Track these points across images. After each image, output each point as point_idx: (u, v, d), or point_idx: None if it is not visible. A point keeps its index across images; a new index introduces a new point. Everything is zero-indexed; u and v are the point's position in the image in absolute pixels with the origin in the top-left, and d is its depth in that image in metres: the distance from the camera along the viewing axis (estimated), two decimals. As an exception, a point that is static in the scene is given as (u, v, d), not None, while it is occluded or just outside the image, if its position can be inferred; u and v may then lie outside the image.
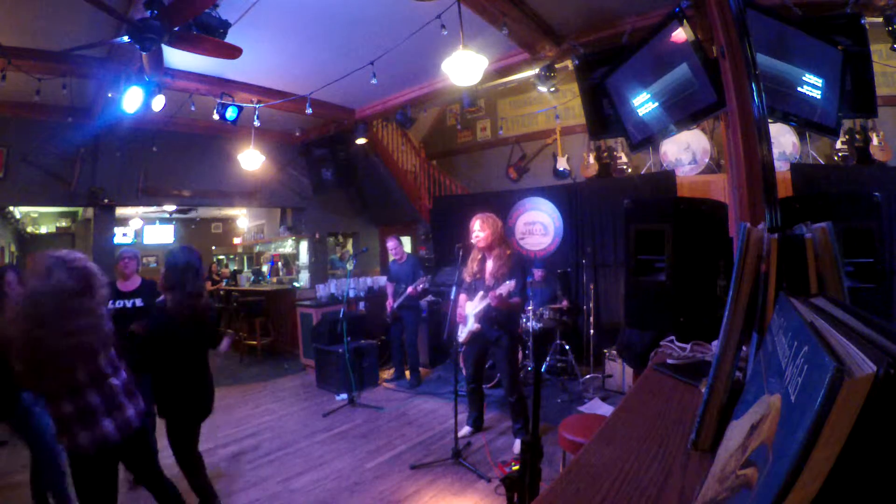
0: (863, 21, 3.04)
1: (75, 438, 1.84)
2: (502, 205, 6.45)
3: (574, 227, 6.03)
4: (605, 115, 4.14)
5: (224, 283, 9.67)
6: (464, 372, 4.17)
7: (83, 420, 1.85)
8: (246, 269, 11.36)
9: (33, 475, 2.79)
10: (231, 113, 5.06)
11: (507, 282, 3.27)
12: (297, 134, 7.66)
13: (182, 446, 2.55)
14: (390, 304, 5.48)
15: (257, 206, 8.74)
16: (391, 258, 5.62)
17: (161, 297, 2.64)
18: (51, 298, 1.81)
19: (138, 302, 3.48)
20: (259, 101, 5.29)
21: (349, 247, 9.61)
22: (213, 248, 13.13)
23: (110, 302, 3.39)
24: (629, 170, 6.63)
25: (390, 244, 5.47)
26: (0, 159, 5.44)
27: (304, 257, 8.46)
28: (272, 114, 5.89)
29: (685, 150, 6.22)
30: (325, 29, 4.26)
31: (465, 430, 3.86)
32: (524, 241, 6.47)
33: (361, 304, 6.55)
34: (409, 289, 5.25)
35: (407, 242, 9.07)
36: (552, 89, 4.99)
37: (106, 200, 6.23)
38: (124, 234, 11.15)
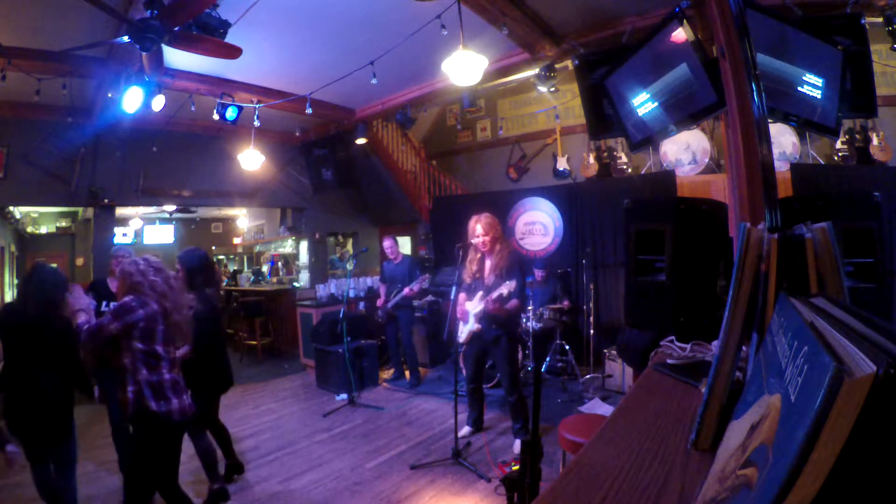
0: (863, 21, 3.04)
1: (169, 403, 2.12)
2: (502, 205, 6.45)
3: (574, 227, 6.03)
4: (605, 115, 4.14)
5: (224, 283, 9.67)
6: (464, 372, 4.17)
7: (175, 390, 2.18)
8: (246, 269, 11.36)
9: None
10: (231, 113, 5.06)
11: (507, 282, 3.27)
12: (297, 134, 7.66)
13: (205, 416, 3.00)
14: (381, 303, 5.48)
15: (257, 206, 8.74)
16: (387, 258, 5.63)
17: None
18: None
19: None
20: (259, 101, 5.29)
21: (349, 247, 9.60)
22: (213, 248, 13.12)
23: (103, 304, 3.40)
24: (629, 170, 6.63)
25: (386, 243, 5.48)
26: (0, 159, 5.44)
27: (304, 257, 8.46)
28: (272, 114, 5.88)
29: (685, 150, 6.21)
30: (325, 29, 4.26)
31: (465, 430, 3.86)
32: (524, 241, 6.47)
33: (361, 304, 6.55)
34: (406, 289, 5.25)
35: (407, 242, 9.07)
36: (552, 89, 4.99)
37: (106, 200, 6.23)
38: (124, 234, 11.13)
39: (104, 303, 3.44)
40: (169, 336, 2.21)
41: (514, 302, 3.38)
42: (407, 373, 5.66)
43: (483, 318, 3.48)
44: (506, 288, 3.25)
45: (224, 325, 3.12)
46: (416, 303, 5.72)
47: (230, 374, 3.20)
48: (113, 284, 3.51)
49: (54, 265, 3.06)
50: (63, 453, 2.62)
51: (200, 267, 2.95)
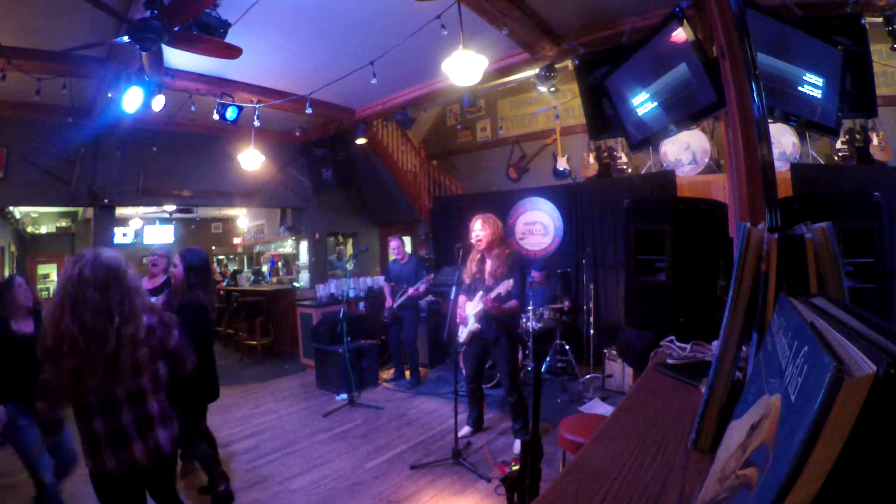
0: (863, 21, 3.04)
1: (102, 461, 1.70)
2: (502, 205, 6.45)
3: (574, 227, 6.03)
4: (605, 115, 4.14)
5: (224, 283, 9.67)
6: (464, 372, 4.17)
7: (112, 441, 1.71)
8: (246, 269, 11.37)
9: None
10: (231, 113, 5.06)
11: (505, 281, 3.27)
12: (297, 134, 7.65)
13: (192, 426, 2.81)
14: (389, 303, 5.48)
15: (257, 206, 8.74)
16: (391, 258, 5.62)
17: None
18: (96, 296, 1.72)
19: (161, 299, 3.74)
20: (259, 101, 5.29)
21: (349, 247, 9.61)
22: (213, 248, 13.13)
23: None
24: (629, 170, 6.63)
25: (393, 244, 5.46)
26: (0, 159, 5.44)
27: (304, 257, 8.46)
28: (272, 114, 5.88)
29: (685, 150, 6.21)
30: (325, 29, 4.26)
31: (465, 430, 3.86)
32: (524, 242, 6.47)
33: (361, 304, 6.55)
34: (411, 290, 5.25)
35: (407, 242, 9.07)
36: (552, 89, 4.99)
37: (106, 200, 6.23)
38: (124, 234, 11.14)
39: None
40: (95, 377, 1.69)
41: (512, 302, 3.38)
42: (407, 373, 5.66)
43: (483, 318, 3.48)
44: (503, 288, 3.25)
45: (212, 332, 3.03)
46: (422, 303, 5.71)
47: (217, 383, 2.97)
48: (150, 283, 3.84)
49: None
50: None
51: (199, 267, 2.92)
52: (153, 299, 3.71)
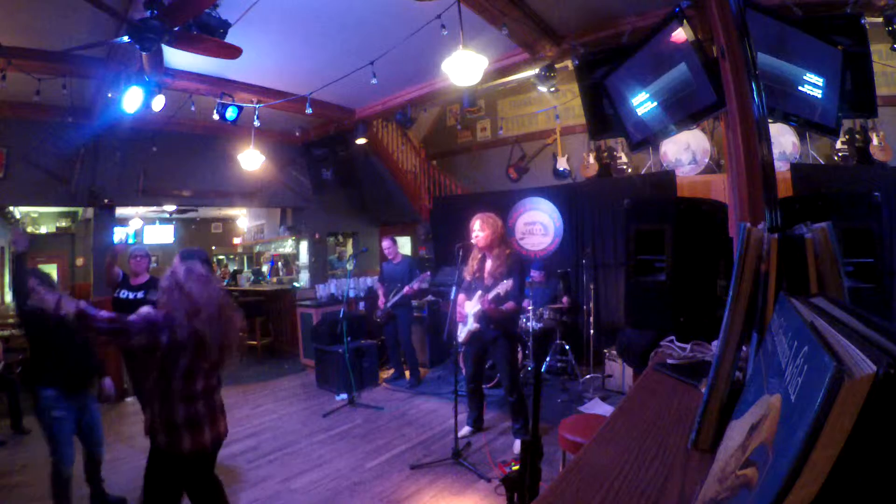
0: (863, 21, 3.04)
1: (179, 441, 1.90)
2: (502, 205, 6.45)
3: (574, 227, 6.03)
4: (605, 115, 4.14)
5: (224, 283, 9.67)
6: (464, 372, 4.17)
7: (190, 426, 1.92)
8: (246, 269, 11.36)
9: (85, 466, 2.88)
10: (231, 113, 5.06)
11: (505, 281, 3.27)
12: (297, 134, 7.65)
13: None
14: (382, 303, 5.48)
15: (257, 206, 8.74)
16: (386, 258, 5.63)
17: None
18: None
19: (140, 294, 3.85)
20: (259, 101, 5.29)
21: (349, 247, 9.61)
22: (213, 248, 13.12)
23: (117, 291, 3.71)
24: (629, 170, 6.63)
25: (385, 244, 5.49)
26: (0, 159, 5.44)
27: (304, 257, 8.46)
28: (272, 114, 5.88)
29: (685, 150, 6.21)
30: (325, 29, 4.26)
31: (465, 430, 3.86)
32: (524, 242, 6.47)
33: (361, 304, 6.55)
34: (406, 288, 5.25)
35: (407, 242, 9.07)
36: (552, 89, 4.99)
37: (106, 200, 6.22)
38: (127, 235, 11.15)
39: (122, 291, 3.92)
40: (195, 366, 1.96)
41: (509, 304, 3.38)
42: (407, 373, 5.66)
43: (482, 318, 3.48)
44: (502, 288, 3.25)
45: None
46: (414, 303, 5.71)
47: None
48: (134, 281, 3.90)
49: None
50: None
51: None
52: (136, 294, 3.84)
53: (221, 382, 2.17)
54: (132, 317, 1.86)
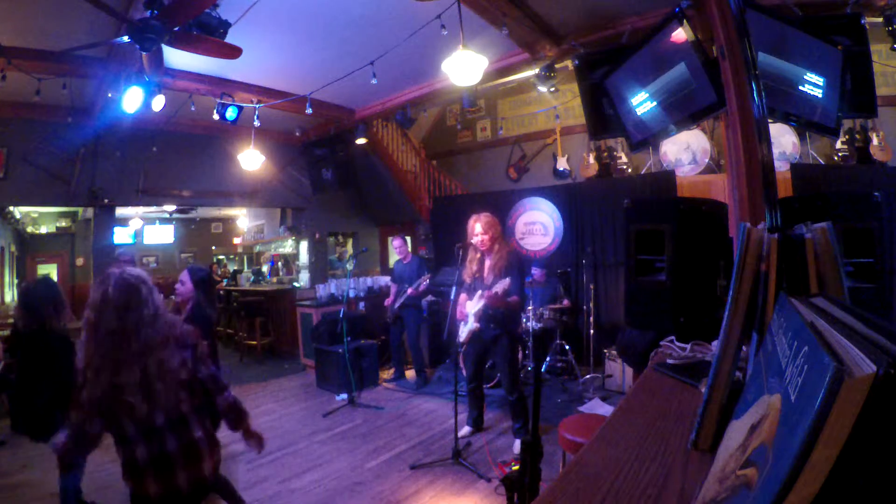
0: (863, 21, 3.04)
1: (143, 484, 1.65)
2: (502, 205, 6.45)
3: (574, 227, 6.03)
4: (605, 115, 4.14)
5: (224, 283, 9.67)
6: (464, 372, 4.17)
7: (156, 467, 1.66)
8: (246, 269, 11.36)
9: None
10: (231, 113, 5.06)
11: (503, 280, 3.27)
12: (297, 134, 7.66)
13: None
14: (389, 301, 5.48)
15: (257, 206, 8.75)
16: (396, 258, 5.62)
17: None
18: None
19: None
20: (259, 101, 5.29)
21: (349, 247, 9.61)
22: (213, 248, 13.13)
23: None
24: (629, 170, 6.64)
25: (396, 243, 5.47)
26: (0, 159, 5.44)
27: (304, 257, 8.46)
28: (272, 114, 5.89)
29: (685, 150, 6.21)
30: (325, 29, 4.26)
31: (465, 429, 3.86)
32: (524, 241, 6.47)
33: (361, 304, 6.55)
34: (410, 289, 5.25)
35: (407, 242, 9.06)
36: (552, 89, 4.99)
37: (106, 200, 6.23)
38: (129, 236, 11.16)
39: None
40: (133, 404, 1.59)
41: (514, 297, 3.38)
42: (407, 373, 5.66)
43: (482, 316, 3.48)
44: (501, 287, 3.25)
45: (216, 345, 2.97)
46: (424, 302, 5.69)
47: None
48: None
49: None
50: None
51: (206, 282, 2.90)
52: None
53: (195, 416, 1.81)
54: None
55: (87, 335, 1.61)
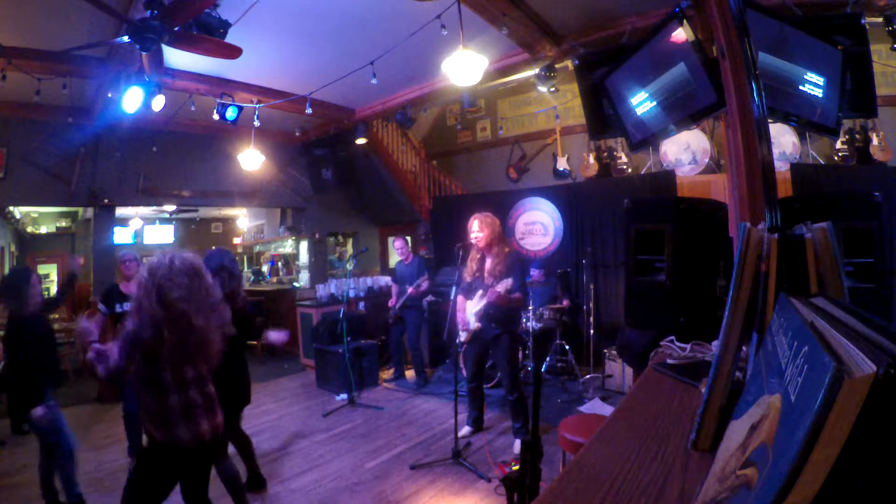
0: (863, 21, 3.04)
1: (174, 432, 1.86)
2: (502, 205, 6.45)
3: (574, 227, 6.03)
4: (605, 115, 4.14)
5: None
6: (464, 372, 4.17)
7: (186, 415, 1.88)
8: (246, 269, 11.35)
9: (42, 463, 2.89)
10: (231, 113, 5.06)
11: (505, 280, 3.27)
12: (297, 134, 7.66)
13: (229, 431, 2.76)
14: (391, 303, 5.47)
15: (257, 206, 8.74)
16: (397, 258, 5.62)
17: None
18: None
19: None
20: (259, 101, 5.29)
21: (349, 247, 9.61)
22: (213, 248, 13.11)
23: (116, 305, 3.56)
24: (629, 170, 6.63)
25: (397, 244, 5.46)
26: (0, 159, 5.44)
27: (304, 257, 8.46)
28: (272, 114, 5.89)
29: (685, 150, 6.21)
30: (324, 29, 4.26)
31: (465, 429, 3.86)
32: (524, 241, 6.47)
33: (361, 304, 6.55)
34: (410, 289, 5.26)
35: (408, 243, 9.05)
36: (552, 89, 4.99)
37: (106, 200, 6.23)
38: (129, 236, 11.15)
39: (117, 305, 3.65)
40: (178, 357, 1.86)
41: (516, 294, 3.38)
42: (407, 373, 5.66)
43: (483, 316, 3.48)
44: (503, 286, 3.25)
45: (238, 332, 2.94)
46: (426, 302, 5.68)
47: (249, 387, 2.95)
48: (126, 288, 3.67)
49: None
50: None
51: (218, 268, 2.74)
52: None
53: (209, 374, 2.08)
54: (113, 349, 1.84)
55: (149, 300, 1.83)
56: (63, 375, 2.92)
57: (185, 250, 2.06)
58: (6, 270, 8.25)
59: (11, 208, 8.25)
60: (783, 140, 5.59)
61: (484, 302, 3.40)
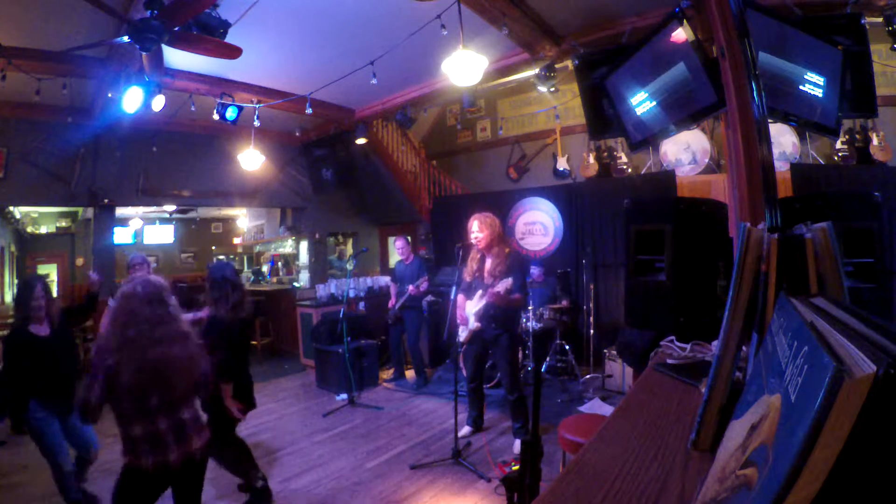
0: (863, 21, 3.04)
1: (138, 459, 1.85)
2: (502, 205, 6.45)
3: (574, 227, 6.03)
4: (605, 115, 4.14)
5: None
6: (464, 372, 4.17)
7: (152, 443, 1.87)
8: (246, 269, 11.36)
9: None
10: (231, 113, 5.06)
11: (505, 280, 3.27)
12: (297, 134, 7.66)
13: (225, 439, 2.76)
14: (392, 303, 5.47)
15: (257, 206, 8.74)
16: (398, 258, 5.62)
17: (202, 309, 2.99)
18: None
19: None
20: (259, 101, 5.29)
21: (349, 247, 9.61)
22: (213, 248, 13.12)
23: None
24: (629, 170, 6.63)
25: (399, 243, 5.46)
26: (0, 159, 5.44)
27: (304, 257, 8.46)
28: (272, 114, 5.89)
29: (685, 150, 6.21)
30: (325, 29, 4.26)
31: (465, 429, 3.86)
32: (524, 241, 6.46)
33: (361, 304, 6.55)
34: (411, 288, 5.25)
35: (409, 243, 9.06)
36: (552, 89, 4.99)
37: (106, 200, 6.23)
38: (129, 236, 11.15)
39: None
40: (136, 385, 1.82)
41: (516, 295, 3.38)
42: (407, 373, 5.66)
43: (483, 316, 3.48)
44: (503, 286, 3.25)
45: (243, 340, 2.89)
46: (425, 302, 5.68)
47: (251, 393, 2.94)
48: None
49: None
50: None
51: (221, 280, 2.80)
52: None
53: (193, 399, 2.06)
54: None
55: (114, 325, 1.87)
56: (64, 388, 2.84)
57: (158, 275, 2.09)
58: (6, 270, 8.26)
59: (11, 208, 8.26)
60: (783, 140, 5.59)
61: (484, 302, 3.40)
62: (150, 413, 1.87)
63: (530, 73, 4.99)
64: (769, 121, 2.39)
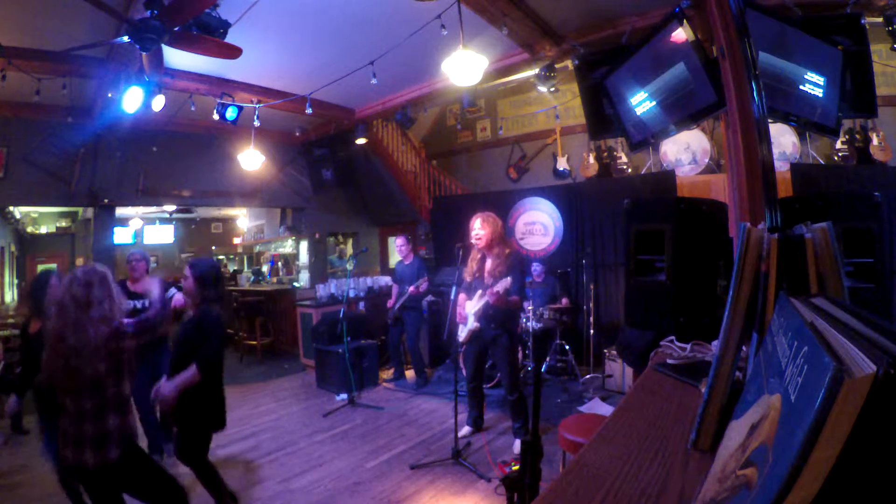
0: (863, 21, 3.04)
1: (64, 453, 1.91)
2: (502, 205, 6.44)
3: (574, 227, 6.03)
4: (605, 115, 4.14)
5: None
6: (464, 372, 4.17)
7: (73, 441, 1.90)
8: (246, 269, 11.36)
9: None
10: (231, 113, 5.06)
11: (504, 280, 3.27)
12: (297, 134, 7.66)
13: (194, 455, 2.52)
14: (391, 303, 5.47)
15: (257, 206, 8.74)
16: (398, 258, 5.62)
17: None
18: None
19: (143, 303, 3.57)
20: (259, 101, 5.29)
21: (349, 247, 9.61)
22: (213, 248, 13.12)
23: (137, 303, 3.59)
24: (629, 170, 6.63)
25: (399, 241, 5.45)
26: (0, 159, 5.44)
27: (304, 257, 8.46)
28: (272, 114, 5.88)
29: (685, 150, 6.21)
30: (325, 29, 4.26)
31: (465, 429, 3.86)
32: (524, 241, 6.46)
33: (361, 304, 6.55)
34: (411, 288, 5.26)
35: (409, 242, 9.06)
36: (552, 89, 4.99)
37: (106, 200, 6.23)
38: (129, 236, 11.16)
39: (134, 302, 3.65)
40: (53, 380, 1.90)
41: (514, 297, 3.38)
42: (407, 373, 5.65)
43: (482, 316, 3.48)
44: (502, 286, 3.25)
45: (223, 352, 2.64)
46: (424, 302, 5.67)
47: (224, 410, 2.61)
48: (133, 286, 3.68)
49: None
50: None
51: (212, 278, 2.62)
52: (138, 303, 3.56)
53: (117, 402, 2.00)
54: None
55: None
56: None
57: (157, 275, 2.12)
58: (6, 270, 8.26)
59: (11, 208, 8.26)
60: (783, 140, 5.59)
61: (483, 302, 3.40)
62: (81, 412, 1.91)
63: (530, 73, 4.99)
64: (769, 121, 2.40)
